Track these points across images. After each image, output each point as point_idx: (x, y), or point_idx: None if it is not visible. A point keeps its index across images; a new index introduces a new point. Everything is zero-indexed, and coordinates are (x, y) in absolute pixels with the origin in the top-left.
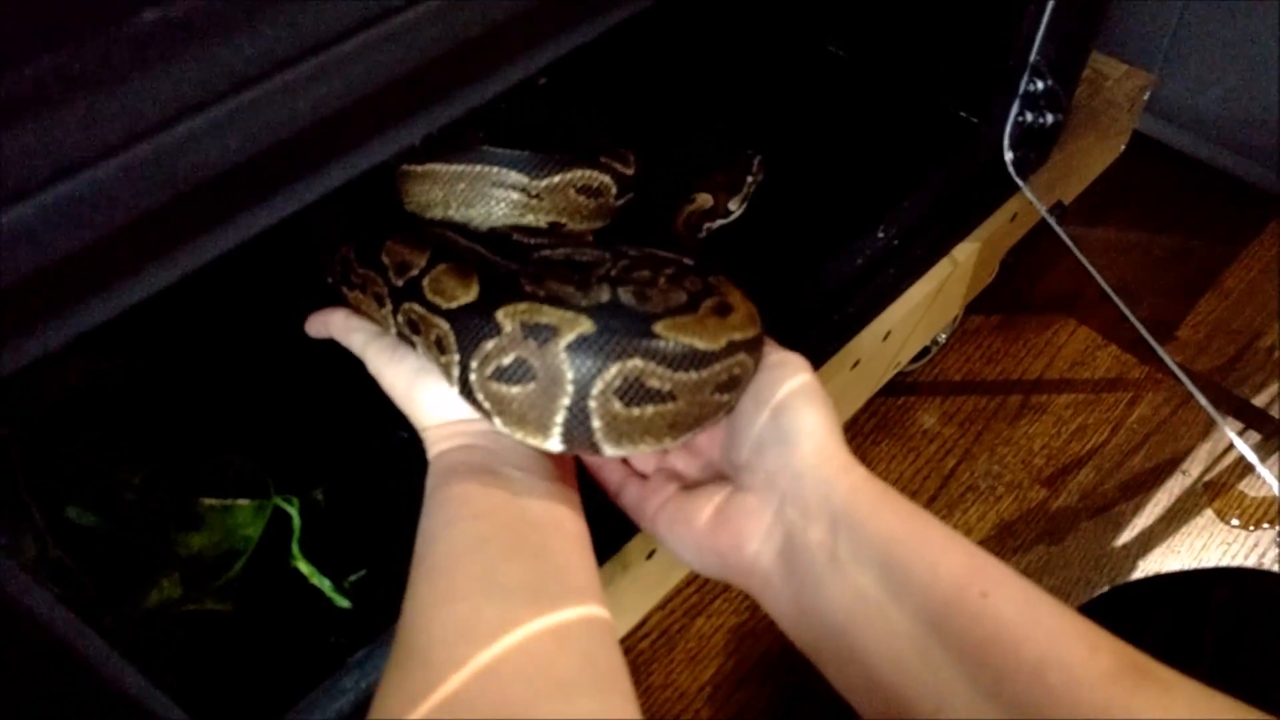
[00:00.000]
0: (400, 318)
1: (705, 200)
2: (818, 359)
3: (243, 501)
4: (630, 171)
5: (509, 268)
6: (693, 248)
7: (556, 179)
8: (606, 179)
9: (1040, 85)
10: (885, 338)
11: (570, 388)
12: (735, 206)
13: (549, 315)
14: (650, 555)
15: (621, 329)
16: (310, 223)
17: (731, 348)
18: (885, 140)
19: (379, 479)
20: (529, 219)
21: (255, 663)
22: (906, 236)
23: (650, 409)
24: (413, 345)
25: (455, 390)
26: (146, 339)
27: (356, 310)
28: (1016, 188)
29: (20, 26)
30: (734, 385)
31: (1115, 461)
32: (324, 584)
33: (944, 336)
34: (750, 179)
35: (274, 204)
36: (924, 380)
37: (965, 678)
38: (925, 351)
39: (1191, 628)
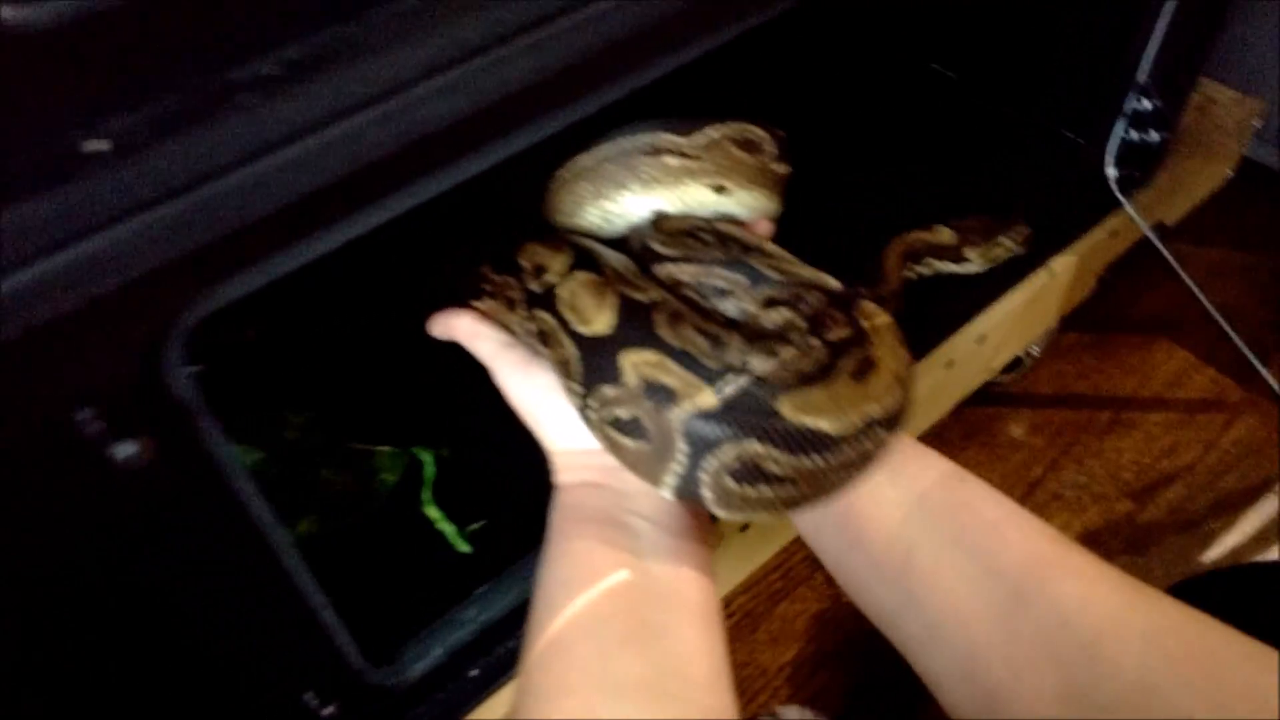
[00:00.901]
0: (532, 325)
1: (942, 235)
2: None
3: (384, 448)
4: (783, 134)
5: (648, 294)
6: (889, 282)
7: (713, 133)
8: (761, 132)
9: (1147, 104)
10: (980, 341)
11: (682, 459)
12: (974, 259)
13: (673, 377)
14: (744, 528)
15: (743, 407)
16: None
17: (868, 427)
18: (988, 155)
19: (500, 440)
20: (689, 187)
21: (385, 595)
22: None
23: (766, 490)
24: (542, 356)
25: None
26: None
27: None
28: (1117, 204)
29: (316, 3)
30: (864, 462)
31: (1206, 480)
32: (449, 529)
33: (1037, 350)
34: (1006, 241)
35: (484, 155)
36: (1014, 392)
37: (935, 534)
38: (1018, 363)
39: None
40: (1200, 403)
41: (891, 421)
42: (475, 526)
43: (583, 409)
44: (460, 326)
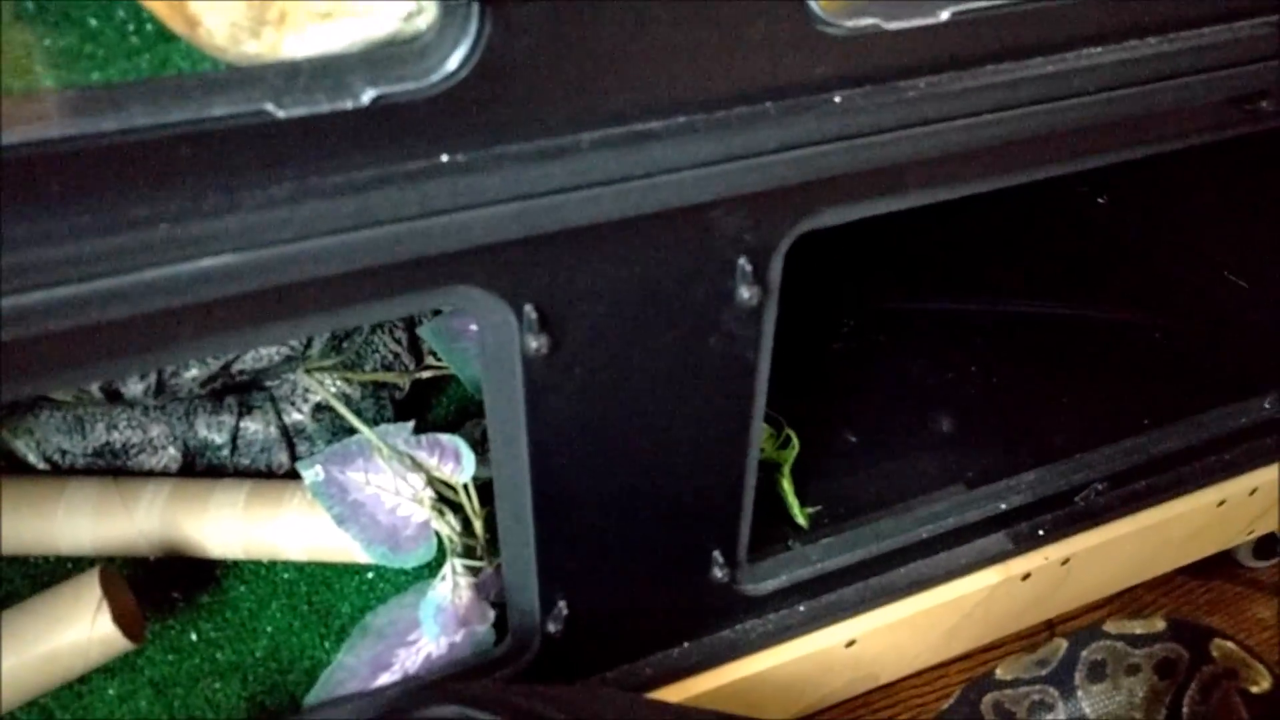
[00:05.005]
0: None
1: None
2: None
3: (765, 425)
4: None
5: None
6: None
7: None
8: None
9: None
10: (1251, 493)
11: None
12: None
13: None
14: None
15: None
16: None
17: None
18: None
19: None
20: None
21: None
22: None
23: None
24: None
25: None
26: None
27: None
28: None
29: None
30: None
31: None
32: (794, 503)
33: None
34: None
35: None
36: (1265, 579)
37: None
38: (1273, 552)
39: None
40: None
41: None
42: (813, 510)
43: None
44: None
